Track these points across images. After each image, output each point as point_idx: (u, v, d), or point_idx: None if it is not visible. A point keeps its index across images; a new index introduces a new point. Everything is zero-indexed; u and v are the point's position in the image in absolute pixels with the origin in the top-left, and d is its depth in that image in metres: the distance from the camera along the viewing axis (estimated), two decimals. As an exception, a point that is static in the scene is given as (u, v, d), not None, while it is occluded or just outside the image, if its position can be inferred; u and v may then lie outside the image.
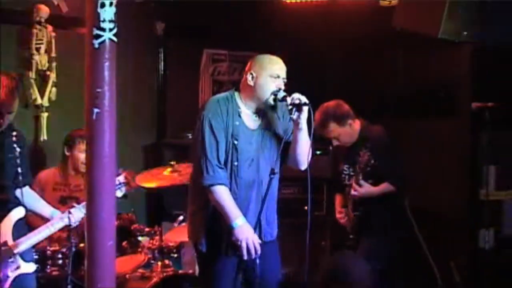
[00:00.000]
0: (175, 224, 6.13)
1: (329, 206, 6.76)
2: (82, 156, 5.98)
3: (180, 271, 5.83)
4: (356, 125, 5.76)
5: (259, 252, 4.48)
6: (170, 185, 5.93)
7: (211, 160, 4.50)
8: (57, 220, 4.98)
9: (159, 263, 5.73)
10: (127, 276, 5.67)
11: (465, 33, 5.22)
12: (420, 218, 6.42)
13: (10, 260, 4.75)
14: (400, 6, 5.98)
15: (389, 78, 7.29)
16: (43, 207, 5.13)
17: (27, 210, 4.99)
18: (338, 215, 6.02)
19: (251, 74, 4.59)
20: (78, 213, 4.95)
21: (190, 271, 5.93)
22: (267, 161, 4.65)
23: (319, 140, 5.45)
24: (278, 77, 4.58)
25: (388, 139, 5.76)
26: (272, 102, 4.57)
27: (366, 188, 5.61)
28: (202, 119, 4.57)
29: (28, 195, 5.04)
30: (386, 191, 5.65)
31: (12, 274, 4.77)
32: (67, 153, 6.11)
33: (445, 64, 6.84)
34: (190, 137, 6.43)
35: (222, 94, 4.74)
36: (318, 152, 6.46)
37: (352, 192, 5.67)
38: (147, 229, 5.93)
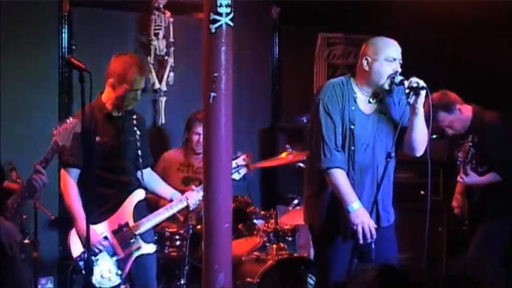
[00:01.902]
0: (290, 208, 6.13)
1: (446, 190, 6.64)
2: (195, 138, 6.07)
3: (295, 254, 5.83)
4: (467, 111, 5.64)
5: (374, 236, 4.43)
6: (284, 163, 5.96)
7: (328, 143, 4.47)
8: (176, 203, 5.06)
9: (274, 246, 5.73)
10: (242, 258, 5.71)
11: None
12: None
13: (131, 240, 4.86)
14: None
15: (506, 64, 7.06)
16: (164, 189, 5.22)
17: (147, 191, 5.09)
18: (453, 203, 5.93)
19: (366, 59, 4.51)
20: (196, 196, 5.01)
21: (305, 254, 5.94)
22: (383, 146, 4.58)
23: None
24: (394, 59, 4.48)
25: (503, 126, 5.61)
26: (387, 87, 4.49)
27: (471, 178, 5.52)
28: (318, 103, 4.54)
29: (149, 176, 5.14)
30: (492, 181, 5.53)
31: (133, 255, 4.87)
32: (186, 136, 6.22)
33: None
34: (305, 120, 6.42)
35: (337, 79, 4.70)
36: (434, 136, 6.33)
37: (458, 179, 5.59)
38: (262, 212, 5.95)
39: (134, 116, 4.98)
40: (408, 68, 4.53)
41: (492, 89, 6.67)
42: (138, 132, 4.97)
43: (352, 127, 4.50)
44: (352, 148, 4.52)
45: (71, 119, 4.47)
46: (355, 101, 4.55)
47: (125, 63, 4.81)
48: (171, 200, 5.09)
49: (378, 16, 6.90)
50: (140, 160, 4.97)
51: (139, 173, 4.97)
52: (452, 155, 5.96)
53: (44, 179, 4.23)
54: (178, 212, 5.15)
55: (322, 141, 4.48)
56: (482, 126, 5.56)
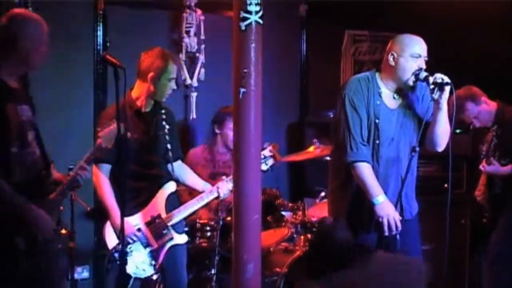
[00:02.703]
0: (317, 200, 6.13)
1: (469, 183, 6.61)
2: (231, 134, 6.05)
3: (322, 246, 5.82)
4: (492, 105, 5.66)
5: (399, 228, 4.42)
6: (311, 157, 5.96)
7: (354, 137, 4.47)
8: (207, 194, 5.06)
9: (302, 237, 5.72)
10: (271, 249, 5.71)
11: None
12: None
13: (164, 231, 4.87)
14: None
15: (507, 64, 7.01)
16: (195, 181, 5.22)
17: (179, 184, 5.11)
18: (476, 192, 5.92)
19: (392, 54, 4.51)
20: (226, 186, 5.02)
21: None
22: (407, 140, 4.58)
23: (458, 121, 5.35)
24: (420, 56, 4.47)
25: None
26: (412, 83, 4.48)
27: (493, 167, 5.56)
28: (344, 98, 4.53)
29: (181, 169, 5.15)
30: None
31: (166, 245, 4.89)
32: (217, 131, 6.20)
33: None
34: (332, 115, 6.41)
35: (362, 74, 4.69)
36: (458, 131, 6.30)
37: (480, 166, 5.62)
38: (290, 205, 5.94)
39: (163, 111, 4.99)
40: (432, 63, 4.54)
41: (494, 88, 6.61)
42: (167, 127, 4.97)
43: (377, 121, 4.49)
44: (377, 141, 4.51)
45: (115, 122, 4.50)
46: (380, 95, 4.54)
47: (161, 56, 4.84)
48: (202, 191, 5.11)
49: (403, 14, 6.86)
50: (170, 154, 4.97)
51: (169, 166, 4.99)
52: (476, 149, 5.95)
53: (88, 174, 4.24)
54: (209, 202, 5.17)
55: (349, 135, 4.48)
56: (504, 120, 5.57)
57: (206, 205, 5.20)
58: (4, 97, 3.93)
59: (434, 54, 4.62)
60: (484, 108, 5.65)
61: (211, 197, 5.06)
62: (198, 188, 5.16)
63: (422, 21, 6.51)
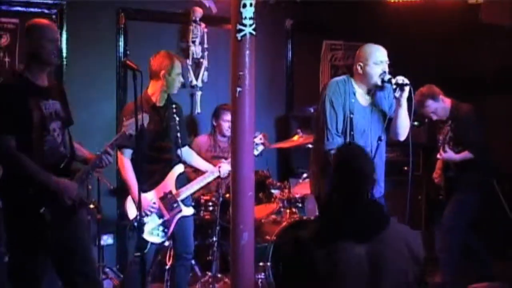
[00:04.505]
0: (300, 180, 6.14)
1: (425, 167, 6.64)
2: (226, 125, 6.09)
3: (304, 217, 5.83)
4: (447, 101, 5.65)
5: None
6: (296, 145, 5.99)
7: (330, 130, 4.49)
8: (209, 174, 5.08)
9: (288, 210, 5.74)
10: (262, 220, 5.72)
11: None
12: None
13: (174, 205, 4.88)
14: (486, 3, 5.79)
15: (474, 64, 7.02)
16: (200, 162, 5.26)
17: (186, 165, 5.12)
18: (434, 175, 5.93)
19: (359, 64, 4.54)
20: (226, 167, 5.03)
21: (312, 217, 5.94)
22: (376, 131, 4.60)
23: (418, 115, 5.36)
24: (381, 62, 4.50)
25: (474, 115, 5.60)
26: (379, 84, 4.51)
27: (448, 154, 5.53)
28: (324, 97, 4.55)
29: (188, 153, 5.17)
30: (465, 158, 5.52)
31: (176, 216, 4.90)
32: (214, 123, 6.24)
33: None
34: (312, 110, 6.41)
35: (340, 78, 4.71)
36: (415, 123, 6.31)
37: (438, 156, 5.61)
38: (278, 184, 5.96)
39: (174, 106, 5.00)
40: (395, 68, 4.55)
41: (471, 88, 6.61)
42: (177, 118, 4.99)
43: (352, 116, 4.51)
44: (352, 133, 4.53)
45: (140, 114, 4.50)
46: (354, 95, 4.57)
47: (167, 56, 4.88)
48: (205, 171, 5.12)
49: (372, 26, 6.87)
50: (180, 141, 4.99)
51: (179, 151, 4.99)
52: (431, 139, 5.96)
53: (111, 159, 4.20)
54: (212, 181, 5.17)
55: (326, 127, 4.50)
56: (458, 114, 5.57)
57: (208, 184, 5.21)
58: (27, 92, 3.88)
59: (397, 59, 4.63)
60: (441, 105, 5.64)
61: (212, 177, 5.08)
62: (202, 169, 5.19)
63: (389, 32, 6.54)
